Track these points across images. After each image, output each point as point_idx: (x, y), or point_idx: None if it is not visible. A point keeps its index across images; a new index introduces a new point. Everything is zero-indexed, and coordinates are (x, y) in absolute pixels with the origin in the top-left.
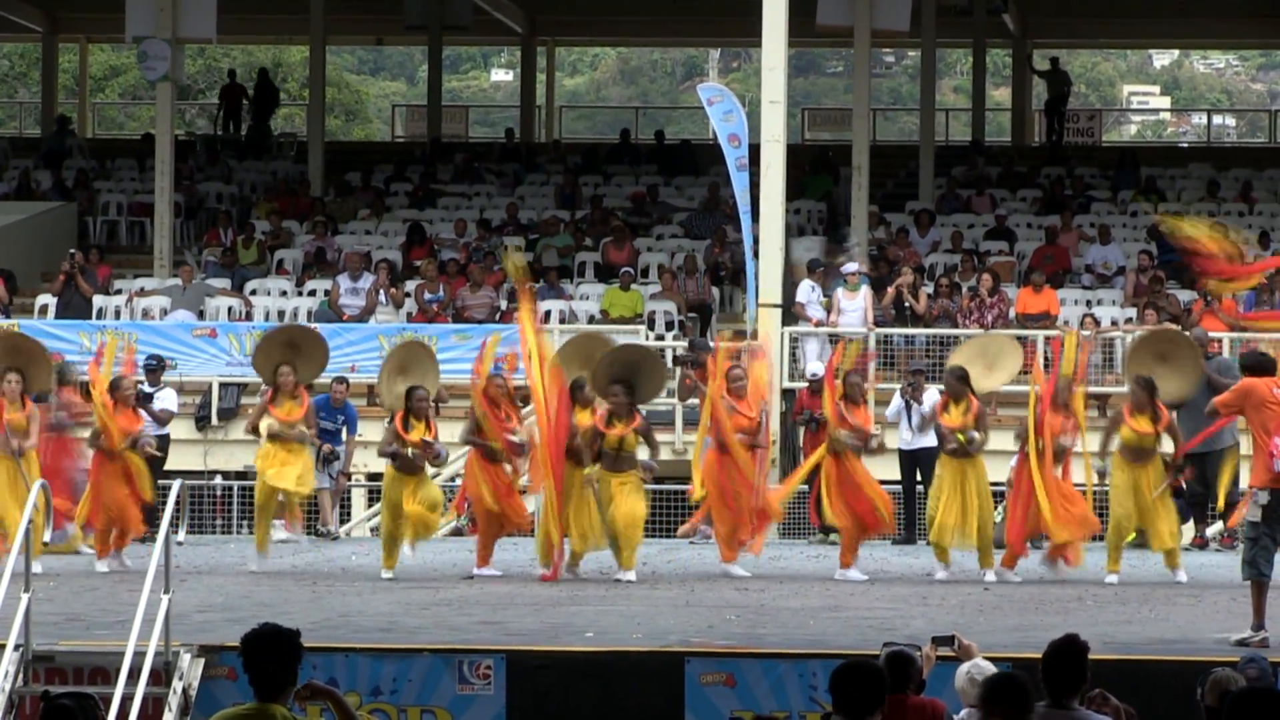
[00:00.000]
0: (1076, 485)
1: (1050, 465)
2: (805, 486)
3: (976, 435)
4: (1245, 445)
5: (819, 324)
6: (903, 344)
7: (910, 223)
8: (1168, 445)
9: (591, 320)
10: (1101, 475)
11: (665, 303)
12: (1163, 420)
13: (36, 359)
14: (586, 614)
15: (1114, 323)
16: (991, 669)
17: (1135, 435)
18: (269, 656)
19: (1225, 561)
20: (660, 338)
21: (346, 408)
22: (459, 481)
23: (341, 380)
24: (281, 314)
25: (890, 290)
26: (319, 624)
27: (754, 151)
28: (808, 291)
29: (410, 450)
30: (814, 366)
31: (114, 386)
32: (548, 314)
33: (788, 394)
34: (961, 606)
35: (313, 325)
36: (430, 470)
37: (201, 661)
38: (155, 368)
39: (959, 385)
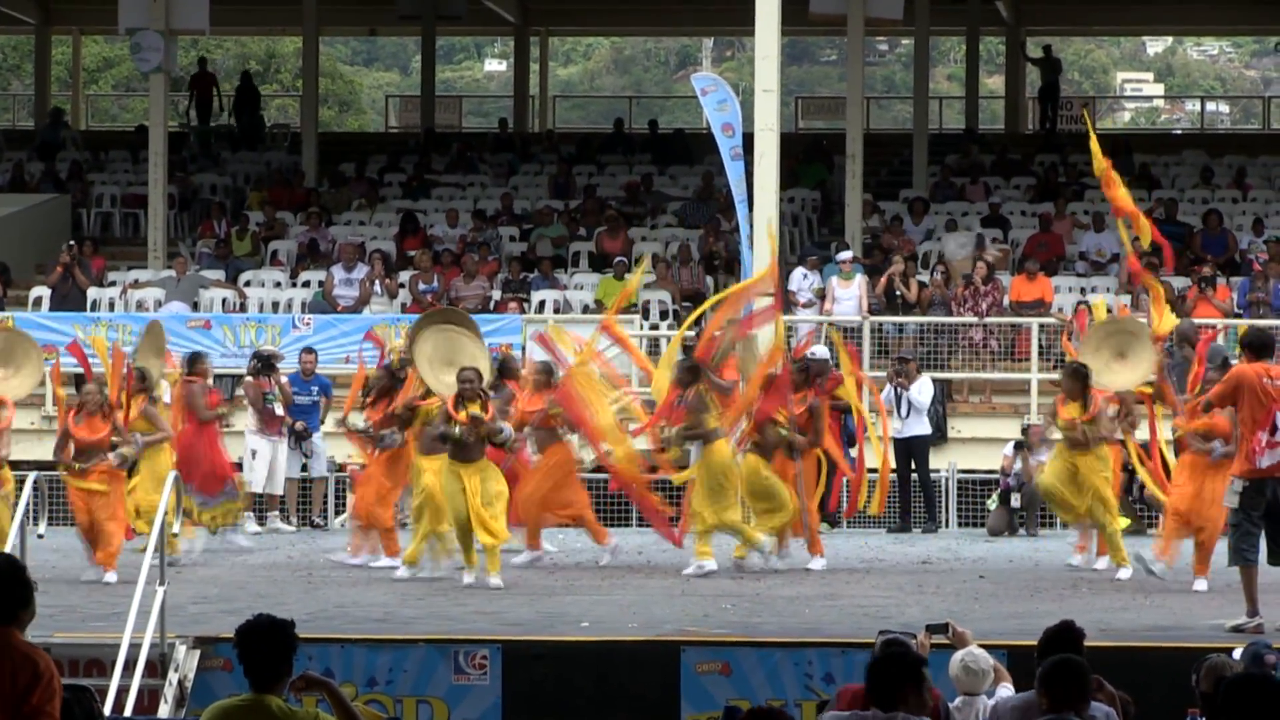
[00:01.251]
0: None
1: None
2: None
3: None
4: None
5: (806, 305)
6: (894, 332)
7: (904, 211)
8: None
9: (586, 310)
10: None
11: (659, 292)
12: (1093, 408)
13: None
14: (582, 603)
15: (1109, 311)
16: (986, 657)
17: (1064, 423)
18: (264, 648)
19: (1217, 549)
20: (655, 327)
21: (318, 379)
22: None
23: (310, 350)
24: (276, 305)
25: (882, 279)
26: (314, 615)
27: (748, 140)
28: (800, 279)
29: (459, 429)
30: (817, 349)
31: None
32: (542, 304)
33: None
34: (957, 594)
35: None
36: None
37: (197, 653)
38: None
39: (687, 376)
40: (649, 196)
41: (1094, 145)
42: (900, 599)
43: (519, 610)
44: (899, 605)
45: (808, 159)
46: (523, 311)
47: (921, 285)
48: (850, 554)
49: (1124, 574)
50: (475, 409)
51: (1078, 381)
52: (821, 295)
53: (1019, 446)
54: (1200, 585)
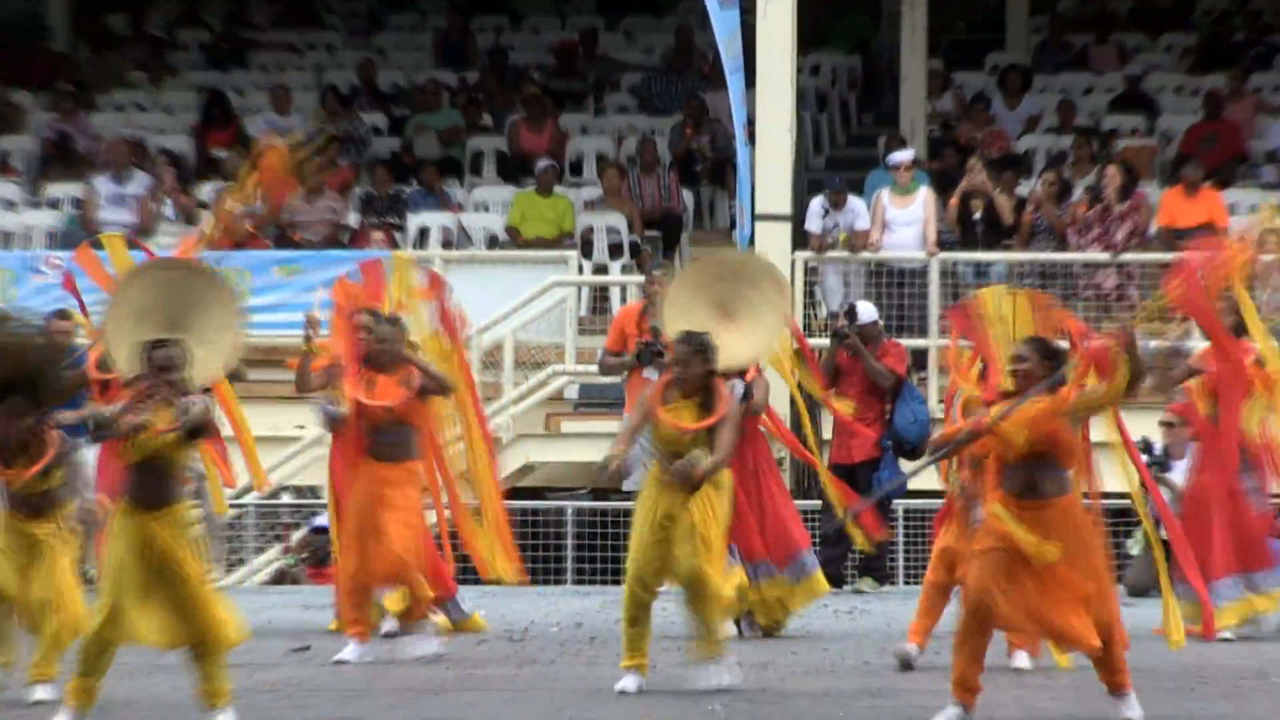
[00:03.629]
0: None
1: None
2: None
3: None
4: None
5: (822, 246)
6: (972, 276)
7: (993, 86)
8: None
9: (494, 243)
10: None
11: (609, 215)
12: (720, 406)
13: None
14: (488, 705)
15: None
16: None
17: (670, 430)
18: None
19: None
20: (601, 269)
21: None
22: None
23: (64, 315)
24: (7, 238)
25: (955, 195)
26: None
27: None
28: (818, 215)
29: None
30: (863, 308)
31: None
32: (424, 232)
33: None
34: (1075, 688)
35: None
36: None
37: None
38: None
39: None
40: (592, 65)
41: None
42: (988, 696)
43: (391, 715)
44: (982, 708)
45: (842, 6)
46: (394, 245)
47: (1020, 203)
48: (903, 626)
49: None
50: (166, 415)
51: (697, 353)
52: (851, 243)
53: (1152, 460)
54: (1021, 661)
